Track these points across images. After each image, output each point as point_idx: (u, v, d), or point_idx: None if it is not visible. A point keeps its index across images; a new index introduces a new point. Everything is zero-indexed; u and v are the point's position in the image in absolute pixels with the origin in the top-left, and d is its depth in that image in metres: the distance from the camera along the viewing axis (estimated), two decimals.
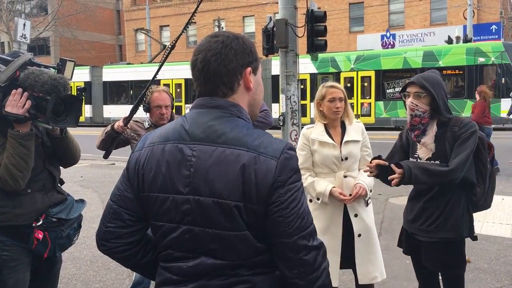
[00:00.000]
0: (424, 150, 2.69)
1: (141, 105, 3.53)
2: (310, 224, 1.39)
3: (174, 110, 3.77)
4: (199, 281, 1.37)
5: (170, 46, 3.09)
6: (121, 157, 7.71)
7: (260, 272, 1.39)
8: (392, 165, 2.58)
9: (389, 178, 2.58)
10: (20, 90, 2.19)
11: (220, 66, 1.40)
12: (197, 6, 3.33)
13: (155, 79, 3.22)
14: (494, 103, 18.43)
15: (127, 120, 3.28)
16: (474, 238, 2.74)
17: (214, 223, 1.35)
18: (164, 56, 3.18)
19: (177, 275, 1.40)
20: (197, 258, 1.38)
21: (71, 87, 2.36)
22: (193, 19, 3.15)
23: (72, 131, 2.52)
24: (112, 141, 3.41)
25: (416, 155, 2.73)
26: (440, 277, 2.88)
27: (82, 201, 2.62)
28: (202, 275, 1.37)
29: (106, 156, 3.46)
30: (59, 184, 2.54)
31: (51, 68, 2.38)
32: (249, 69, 1.44)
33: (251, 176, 1.32)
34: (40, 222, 2.32)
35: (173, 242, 1.40)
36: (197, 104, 1.46)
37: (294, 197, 1.35)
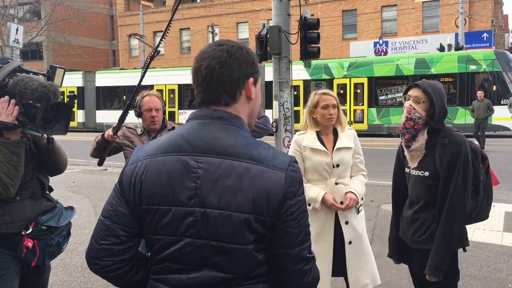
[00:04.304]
0: (411, 160, 2.70)
1: (133, 111, 3.53)
2: (310, 237, 1.45)
3: (167, 116, 3.77)
4: None
5: (151, 54, 3.10)
6: (114, 162, 7.67)
7: (261, 281, 1.39)
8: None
9: None
10: (7, 97, 2.16)
11: (225, 74, 1.39)
12: (173, 13, 3.35)
13: (143, 84, 3.23)
14: None
15: (116, 129, 3.27)
16: (464, 249, 2.68)
17: (220, 236, 1.33)
18: (147, 62, 3.18)
19: (174, 286, 1.37)
20: (199, 270, 1.35)
21: (61, 93, 2.35)
22: (170, 27, 3.18)
23: (64, 136, 2.50)
24: (104, 149, 3.42)
25: (408, 167, 2.74)
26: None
27: (71, 208, 2.60)
28: (203, 286, 1.35)
29: (100, 164, 3.46)
30: (47, 192, 2.52)
31: (40, 75, 2.36)
32: (251, 79, 1.45)
33: (261, 188, 1.32)
34: (30, 230, 2.30)
35: (173, 255, 1.37)
36: (198, 115, 1.44)
37: (302, 209, 1.39)
